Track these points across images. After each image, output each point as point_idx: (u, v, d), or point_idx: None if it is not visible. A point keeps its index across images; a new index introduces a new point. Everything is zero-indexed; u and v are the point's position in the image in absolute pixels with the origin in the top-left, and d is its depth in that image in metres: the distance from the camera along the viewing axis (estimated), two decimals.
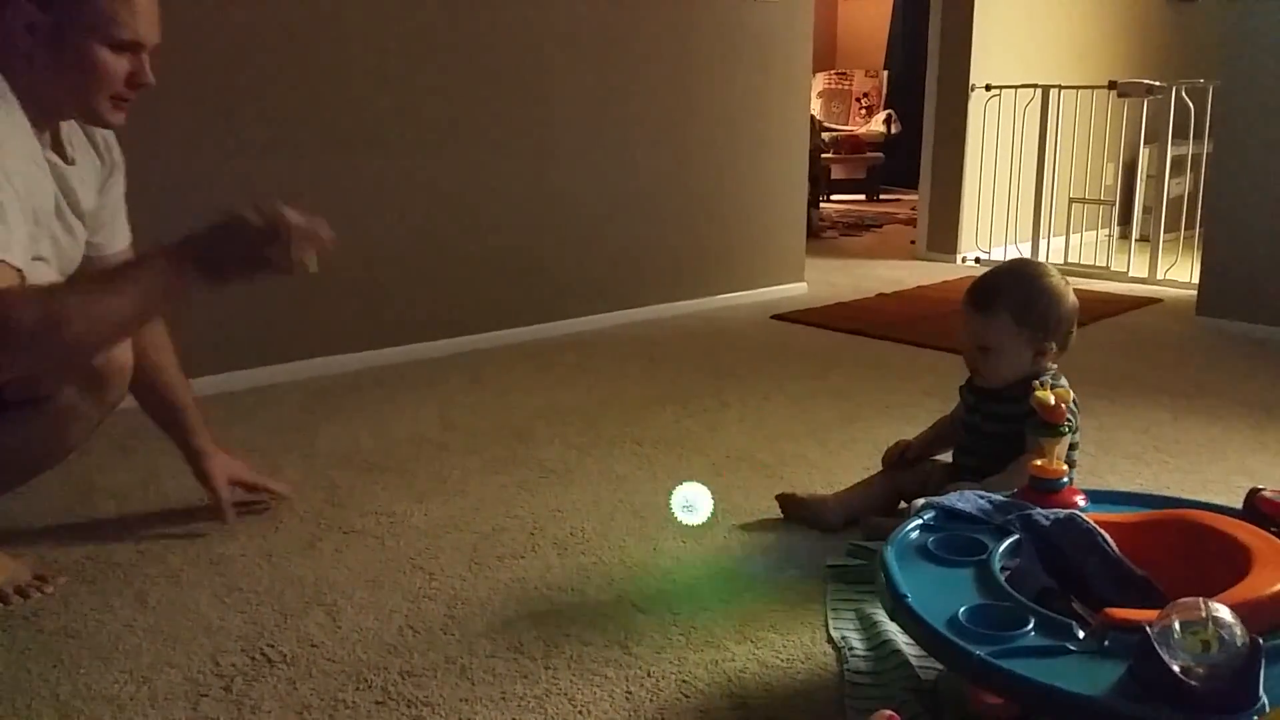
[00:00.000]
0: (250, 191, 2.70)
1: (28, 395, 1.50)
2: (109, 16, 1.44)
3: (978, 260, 5.03)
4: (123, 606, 1.54)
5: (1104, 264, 4.62)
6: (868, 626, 1.45)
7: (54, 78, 1.45)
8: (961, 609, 1.11)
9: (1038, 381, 1.63)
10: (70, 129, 1.59)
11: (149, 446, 1.92)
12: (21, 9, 1.41)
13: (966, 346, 1.77)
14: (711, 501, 1.92)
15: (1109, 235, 4.90)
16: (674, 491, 1.96)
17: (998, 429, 1.74)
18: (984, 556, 1.25)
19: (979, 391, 1.79)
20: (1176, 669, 0.93)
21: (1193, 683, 0.93)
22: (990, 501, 1.39)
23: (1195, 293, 3.72)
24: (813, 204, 5.57)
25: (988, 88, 4.88)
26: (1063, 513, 1.29)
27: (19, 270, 1.35)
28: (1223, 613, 0.95)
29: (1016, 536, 1.28)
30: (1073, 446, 1.71)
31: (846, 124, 8.04)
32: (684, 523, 1.84)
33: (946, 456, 1.89)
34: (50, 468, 1.67)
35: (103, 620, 1.50)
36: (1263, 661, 0.92)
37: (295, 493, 1.96)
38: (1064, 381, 1.68)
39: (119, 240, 1.75)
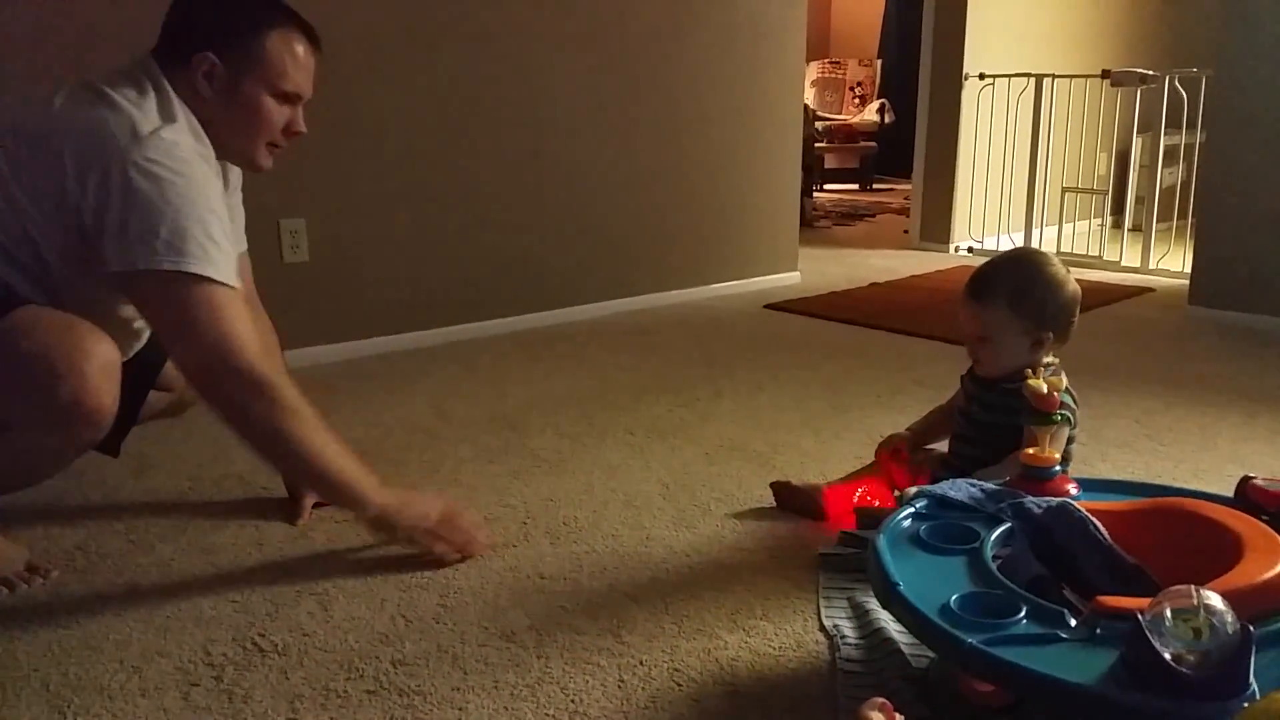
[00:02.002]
0: (245, 184, 2.70)
1: None
2: (279, 70, 1.59)
3: (970, 250, 5.04)
4: (113, 596, 1.54)
5: (1097, 253, 4.62)
6: (860, 615, 1.45)
7: (223, 122, 1.59)
8: (953, 597, 1.11)
9: (1030, 369, 1.63)
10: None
11: (139, 436, 1.91)
12: (205, 59, 1.54)
13: (966, 335, 1.76)
14: None
15: (1102, 225, 4.90)
16: None
17: (993, 419, 1.74)
18: (976, 545, 1.25)
19: (979, 381, 1.79)
20: (1168, 656, 0.93)
21: (1184, 670, 0.93)
22: (982, 490, 1.39)
23: (1187, 282, 3.73)
24: (806, 193, 5.56)
25: (981, 77, 4.88)
26: (1055, 501, 1.29)
27: (235, 289, 1.52)
28: (1214, 600, 0.95)
29: (1008, 525, 1.29)
30: (1070, 440, 1.70)
31: (840, 113, 8.03)
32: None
33: (941, 446, 1.89)
34: (16, 490, 1.66)
35: (93, 610, 1.50)
36: (1254, 649, 0.92)
37: None
38: (1059, 374, 1.67)
39: (237, 247, 1.81)
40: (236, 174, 1.79)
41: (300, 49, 1.61)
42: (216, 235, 1.49)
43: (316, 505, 1.84)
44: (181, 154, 1.48)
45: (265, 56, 1.57)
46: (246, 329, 1.51)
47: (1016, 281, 1.70)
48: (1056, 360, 1.73)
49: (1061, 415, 1.54)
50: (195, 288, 1.46)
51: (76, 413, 1.43)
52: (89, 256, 1.47)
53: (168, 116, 1.52)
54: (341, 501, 1.62)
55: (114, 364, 1.47)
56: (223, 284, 1.49)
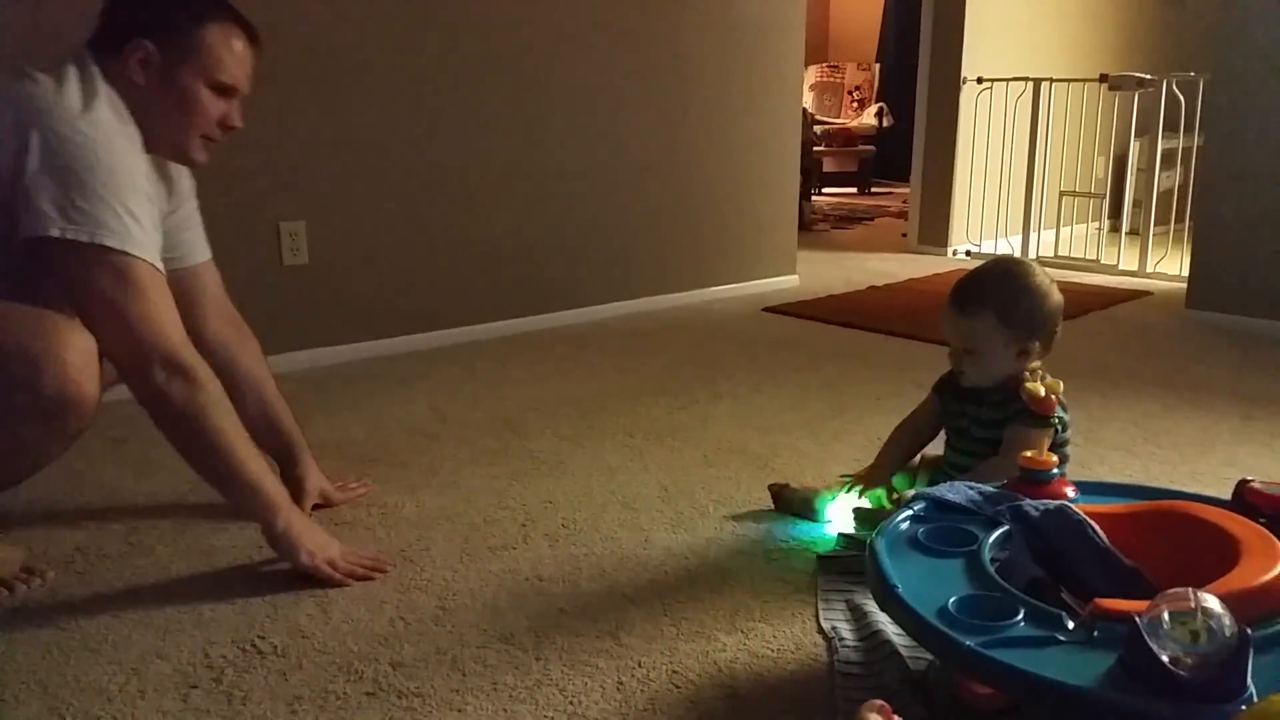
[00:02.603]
0: (244, 187, 2.71)
1: None
2: (216, 60, 1.57)
3: (968, 253, 5.04)
4: (112, 598, 1.54)
5: (1094, 257, 4.63)
6: (858, 617, 1.45)
7: (158, 113, 1.57)
8: (951, 599, 1.11)
9: (1028, 373, 1.63)
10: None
11: (139, 438, 1.91)
12: (140, 46, 1.53)
13: (951, 347, 1.75)
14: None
15: (1099, 228, 4.91)
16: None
17: (985, 433, 1.74)
18: (974, 547, 1.25)
19: (969, 397, 1.78)
20: (1166, 659, 0.93)
21: (1182, 673, 0.93)
22: (980, 492, 1.39)
23: (1185, 285, 3.73)
24: (804, 197, 5.57)
25: (979, 80, 4.88)
26: (1052, 504, 1.29)
27: (160, 270, 1.50)
28: (1212, 603, 0.95)
29: (1006, 527, 1.29)
30: (1062, 444, 1.70)
31: (838, 117, 8.04)
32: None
33: (936, 447, 1.89)
34: (9, 488, 1.64)
35: (92, 612, 1.50)
36: (1251, 651, 0.93)
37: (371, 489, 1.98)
38: (1049, 378, 1.67)
39: (198, 255, 1.84)
40: (189, 184, 1.79)
41: (238, 44, 1.60)
42: (136, 211, 1.46)
43: (316, 507, 1.85)
44: (101, 129, 1.46)
45: (203, 47, 1.56)
46: (170, 312, 1.49)
47: (1003, 293, 1.69)
48: (1039, 365, 1.73)
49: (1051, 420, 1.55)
50: (111, 263, 1.43)
51: (62, 402, 1.43)
52: (9, 233, 1.43)
53: (90, 94, 1.49)
54: (253, 508, 1.56)
55: (91, 351, 1.46)
56: (143, 260, 1.46)
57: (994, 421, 1.71)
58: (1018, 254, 4.73)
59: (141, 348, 1.46)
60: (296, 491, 1.83)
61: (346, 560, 1.60)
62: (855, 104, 8.11)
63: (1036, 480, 1.42)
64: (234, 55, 1.59)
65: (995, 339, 1.68)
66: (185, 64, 1.55)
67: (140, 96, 1.55)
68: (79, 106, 1.46)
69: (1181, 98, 4.36)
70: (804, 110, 4.55)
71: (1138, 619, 0.96)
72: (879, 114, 7.62)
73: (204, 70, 1.56)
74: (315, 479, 1.88)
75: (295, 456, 1.88)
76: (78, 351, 1.44)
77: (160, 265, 1.51)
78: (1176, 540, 1.28)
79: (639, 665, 1.35)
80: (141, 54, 1.53)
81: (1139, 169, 4.89)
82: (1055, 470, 1.43)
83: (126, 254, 1.44)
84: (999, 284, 1.70)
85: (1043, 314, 1.69)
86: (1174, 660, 0.94)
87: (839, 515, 1.78)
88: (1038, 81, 4.75)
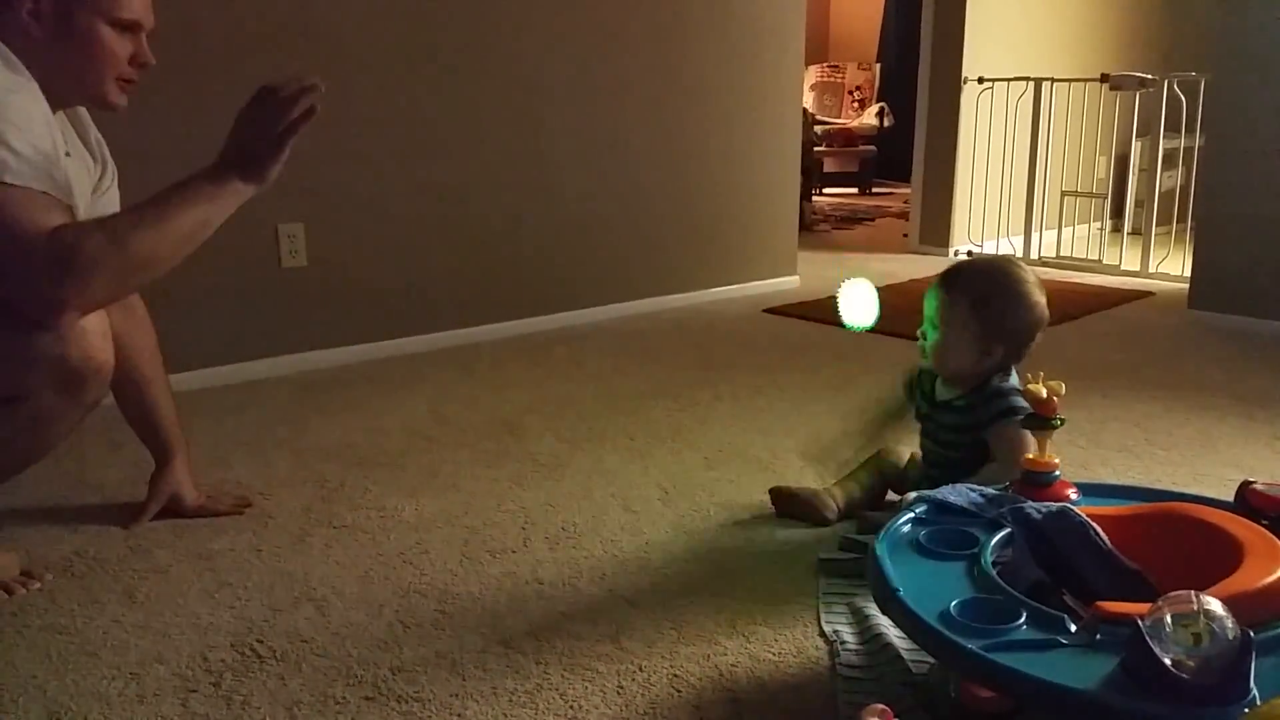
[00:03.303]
0: None
1: (4, 394, 1.47)
2: None
3: (969, 254, 5.03)
4: (111, 602, 1.54)
5: (1096, 257, 4.62)
6: (860, 620, 1.45)
7: (61, 62, 1.49)
8: (953, 602, 1.11)
9: (1029, 374, 1.63)
10: (64, 126, 1.59)
11: (137, 442, 1.90)
12: None
13: (924, 321, 1.76)
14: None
15: (1101, 228, 4.90)
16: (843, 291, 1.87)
17: (951, 438, 1.75)
18: (975, 550, 1.24)
19: (934, 403, 1.79)
20: (1168, 662, 0.93)
21: (1184, 675, 0.93)
22: (982, 495, 1.39)
23: (1187, 286, 3.72)
24: (805, 197, 5.56)
25: (980, 80, 4.88)
26: (1054, 506, 1.28)
27: (39, 194, 1.39)
28: (1214, 606, 0.95)
29: (1008, 530, 1.28)
30: None
31: (839, 117, 8.04)
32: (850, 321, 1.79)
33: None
34: (29, 466, 1.64)
35: (90, 616, 1.49)
36: (1254, 654, 0.92)
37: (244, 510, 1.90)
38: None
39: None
40: (109, 163, 1.72)
41: None
42: (17, 145, 1.36)
43: (161, 513, 1.83)
44: None
45: None
46: (46, 225, 1.37)
47: (985, 286, 1.71)
48: (1014, 376, 1.73)
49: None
50: None
51: (84, 371, 1.45)
52: None
53: None
54: (222, 198, 1.46)
55: (104, 318, 1.48)
56: (17, 185, 1.36)
57: (957, 427, 1.72)
58: (1019, 254, 4.72)
59: (22, 242, 1.34)
60: (151, 492, 1.83)
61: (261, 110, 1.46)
62: (856, 104, 8.11)
63: (1038, 482, 1.41)
64: None
65: (961, 326, 1.69)
66: (81, 5, 1.47)
67: (39, 48, 1.46)
68: None
69: (1183, 98, 4.36)
70: (804, 110, 4.54)
71: (1140, 622, 0.96)
72: (880, 114, 7.61)
73: (101, 8, 1.48)
74: (171, 485, 1.84)
75: (165, 459, 1.85)
76: (94, 321, 1.45)
77: (60, 197, 1.42)
78: (1179, 542, 1.27)
79: (640, 669, 1.35)
80: (30, 4, 1.44)
81: (1141, 169, 4.88)
82: (1056, 473, 1.42)
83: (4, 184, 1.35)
84: (986, 277, 1.73)
85: (1016, 321, 1.69)
86: (1176, 663, 0.93)
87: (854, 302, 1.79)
88: (1039, 81, 4.74)
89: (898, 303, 3.91)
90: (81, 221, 1.43)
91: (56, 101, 1.52)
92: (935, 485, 1.74)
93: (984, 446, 1.70)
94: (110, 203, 1.72)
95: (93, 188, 1.67)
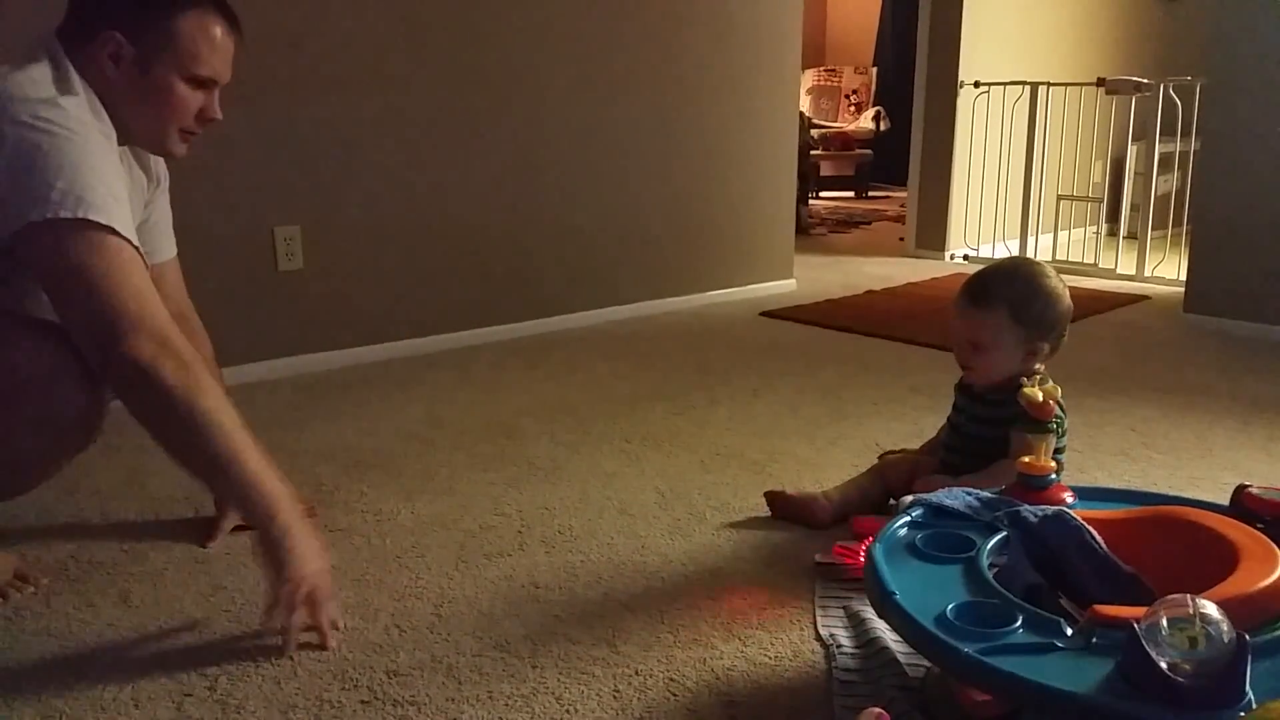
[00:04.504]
0: (239, 192, 2.71)
1: None
2: (192, 54, 1.49)
3: (966, 257, 5.04)
4: (106, 606, 1.53)
5: (1092, 261, 4.63)
6: (856, 624, 1.45)
7: (131, 107, 1.50)
8: (949, 606, 1.11)
9: (1025, 379, 1.63)
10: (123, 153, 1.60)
11: (133, 444, 1.90)
12: (110, 39, 1.45)
13: (958, 343, 1.76)
14: None
15: (1097, 232, 4.91)
16: None
17: (979, 431, 1.74)
18: (972, 553, 1.24)
19: (967, 393, 1.78)
20: (1164, 666, 0.93)
21: (1180, 679, 0.92)
22: (979, 498, 1.39)
23: (1183, 290, 3.73)
24: (802, 201, 5.57)
25: (976, 84, 4.89)
26: (1051, 509, 1.28)
27: (141, 254, 1.41)
28: (1210, 609, 0.95)
29: (1005, 533, 1.28)
30: (1059, 450, 1.70)
31: (835, 121, 8.04)
32: None
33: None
34: (6, 500, 1.62)
35: (85, 620, 1.49)
36: (1249, 658, 0.92)
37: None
38: (1050, 383, 1.67)
39: (165, 252, 1.78)
40: (163, 174, 1.72)
41: (217, 31, 1.50)
42: (120, 196, 1.39)
43: (237, 528, 1.76)
44: (76, 119, 1.39)
45: (178, 39, 1.47)
46: (155, 293, 1.40)
47: (1018, 290, 1.70)
48: (1042, 368, 1.73)
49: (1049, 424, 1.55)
50: (97, 237, 1.35)
51: (75, 416, 1.43)
52: None
53: (66, 89, 1.42)
54: (251, 504, 1.39)
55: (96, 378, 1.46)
56: (129, 241, 1.38)
57: (987, 420, 1.71)
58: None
59: (128, 318, 1.34)
60: (220, 508, 1.78)
61: (315, 616, 1.40)
62: (852, 108, 8.12)
63: (1034, 486, 1.41)
64: (212, 46, 1.50)
65: (1005, 336, 1.69)
66: (160, 57, 1.47)
67: (113, 90, 1.47)
68: (57, 101, 1.39)
69: (1179, 102, 4.37)
70: (801, 114, 4.55)
71: (1136, 625, 0.96)
72: (876, 118, 7.62)
73: (180, 64, 1.48)
74: None
75: None
76: (90, 366, 1.42)
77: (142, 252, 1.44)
78: (1175, 546, 1.27)
79: (636, 673, 1.35)
80: (112, 47, 1.45)
81: (1137, 173, 4.89)
82: (1053, 476, 1.42)
83: (112, 231, 1.37)
84: (1014, 281, 1.72)
85: (1054, 315, 1.71)
86: (1172, 667, 0.93)
87: None
88: (1035, 85, 4.75)
89: (893, 306, 3.91)
90: (188, 351, 1.38)
91: (123, 138, 1.54)
92: (951, 470, 1.75)
93: (1006, 442, 1.69)
94: (163, 211, 1.74)
95: (145, 200, 1.67)
